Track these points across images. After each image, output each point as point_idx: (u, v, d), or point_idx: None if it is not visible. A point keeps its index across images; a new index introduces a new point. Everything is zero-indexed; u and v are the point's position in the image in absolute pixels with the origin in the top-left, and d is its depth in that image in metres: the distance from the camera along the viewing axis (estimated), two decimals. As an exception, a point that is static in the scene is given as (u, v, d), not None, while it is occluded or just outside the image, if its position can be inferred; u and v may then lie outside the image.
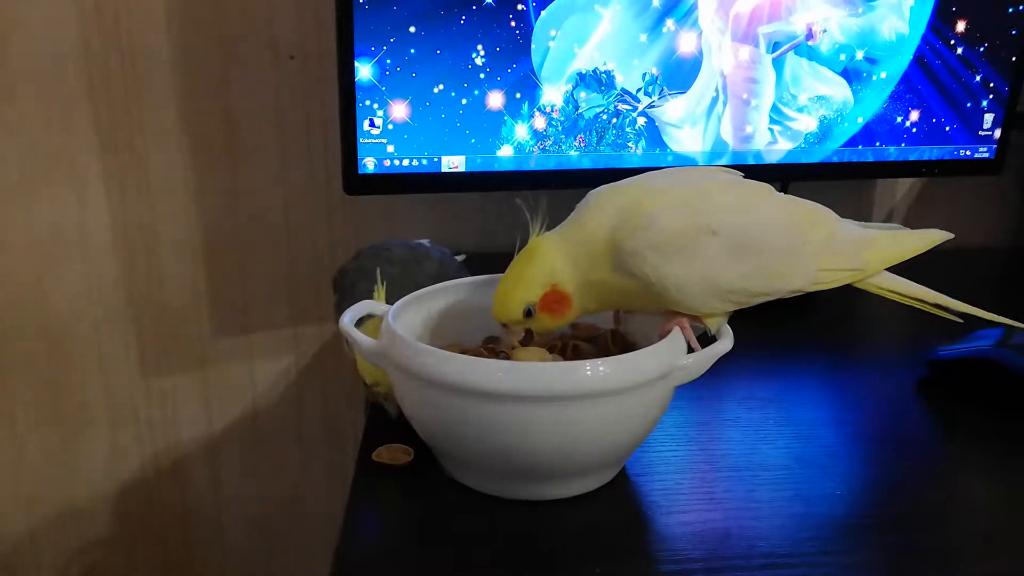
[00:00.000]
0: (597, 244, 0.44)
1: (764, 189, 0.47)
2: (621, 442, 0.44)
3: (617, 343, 0.50)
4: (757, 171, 0.75)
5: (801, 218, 0.46)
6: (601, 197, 0.46)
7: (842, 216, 0.48)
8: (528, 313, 0.44)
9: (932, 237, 0.48)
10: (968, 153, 0.79)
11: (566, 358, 0.49)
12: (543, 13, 0.66)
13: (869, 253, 0.46)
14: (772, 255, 0.45)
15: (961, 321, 0.50)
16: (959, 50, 0.75)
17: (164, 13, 0.77)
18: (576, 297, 0.45)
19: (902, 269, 0.49)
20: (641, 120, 0.70)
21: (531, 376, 0.40)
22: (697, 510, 0.44)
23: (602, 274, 0.44)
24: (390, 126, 0.66)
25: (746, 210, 0.45)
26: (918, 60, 0.75)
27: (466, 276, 0.54)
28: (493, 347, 0.50)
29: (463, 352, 0.49)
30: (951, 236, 0.48)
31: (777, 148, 0.74)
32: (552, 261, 0.44)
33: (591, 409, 0.41)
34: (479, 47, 0.66)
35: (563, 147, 0.70)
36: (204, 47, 0.78)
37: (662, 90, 0.70)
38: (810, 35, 0.71)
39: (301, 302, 0.88)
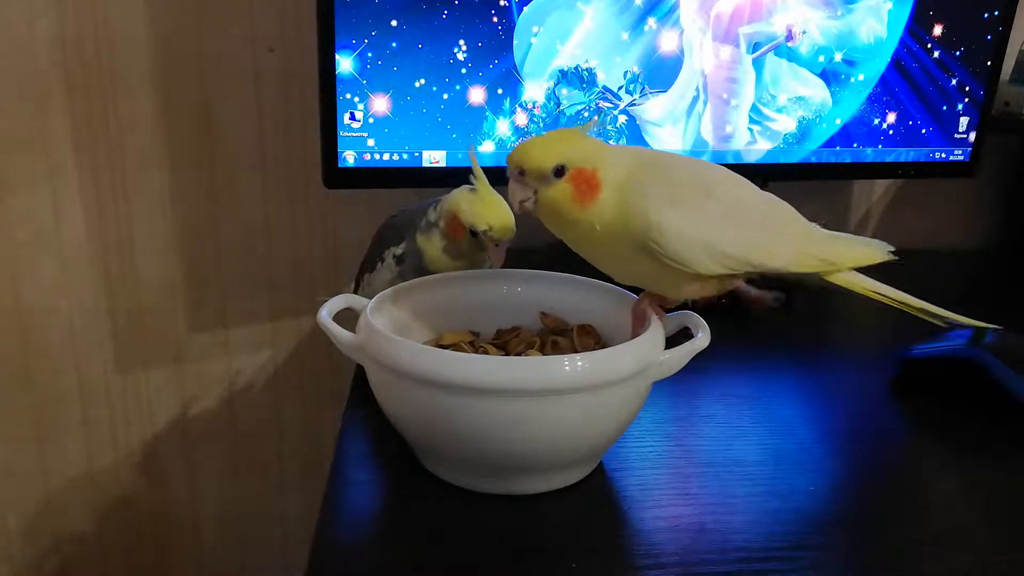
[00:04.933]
0: (616, 184, 0.44)
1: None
2: (598, 437, 0.44)
3: (589, 336, 0.51)
4: (736, 170, 0.75)
5: (783, 208, 0.48)
6: (624, 150, 0.47)
7: (817, 217, 0.50)
8: (559, 172, 0.43)
9: (876, 254, 0.49)
10: (944, 155, 0.80)
11: (544, 353, 0.49)
12: (525, 9, 0.66)
13: (839, 250, 0.48)
14: (761, 230, 0.46)
15: (939, 322, 0.51)
16: (936, 54, 0.76)
17: (143, 3, 0.76)
18: (600, 197, 0.43)
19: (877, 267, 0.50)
20: (622, 118, 0.71)
21: (508, 371, 0.40)
22: (673, 505, 0.45)
23: (612, 216, 0.43)
24: (371, 120, 0.66)
25: (740, 186, 0.47)
26: (895, 63, 0.75)
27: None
28: (472, 341, 0.50)
29: (441, 346, 0.49)
30: (894, 259, 0.48)
31: (756, 148, 0.75)
32: (606, 154, 0.43)
33: (568, 404, 0.41)
34: (461, 42, 0.65)
35: (544, 144, 0.70)
36: (182, 39, 0.78)
37: (643, 88, 0.70)
38: (790, 36, 0.72)
39: (279, 296, 0.87)
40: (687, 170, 0.47)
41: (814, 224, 0.49)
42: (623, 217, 0.43)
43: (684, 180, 0.45)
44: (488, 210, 0.51)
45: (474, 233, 0.51)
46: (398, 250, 0.56)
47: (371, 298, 0.49)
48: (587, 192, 0.43)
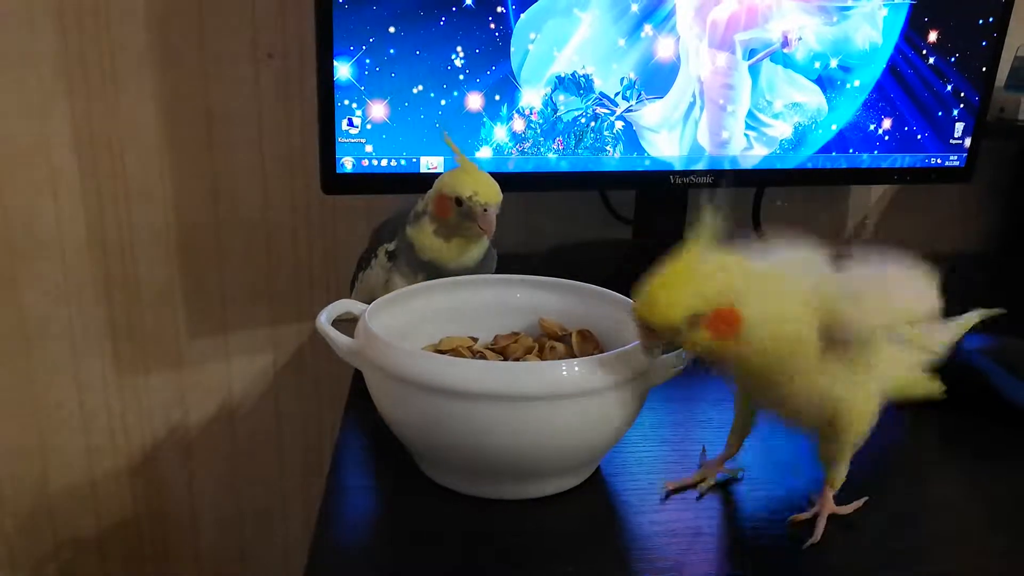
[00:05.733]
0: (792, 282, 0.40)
1: None
2: (596, 442, 0.44)
3: (589, 342, 0.51)
4: (734, 176, 0.76)
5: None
6: (740, 263, 0.41)
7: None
8: (692, 324, 0.38)
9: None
10: (939, 161, 0.80)
11: (542, 358, 0.50)
12: (523, 16, 0.66)
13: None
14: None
15: None
16: (931, 60, 0.76)
17: (144, 9, 0.76)
18: (746, 330, 0.38)
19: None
20: (619, 124, 0.71)
21: (506, 376, 0.41)
22: (669, 510, 0.45)
23: (797, 325, 0.39)
24: (369, 126, 0.66)
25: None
26: (891, 69, 0.76)
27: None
28: (471, 347, 0.51)
29: (440, 352, 0.49)
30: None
31: (753, 154, 0.75)
32: (736, 276, 0.38)
33: (567, 409, 0.41)
34: (459, 48, 0.66)
35: (541, 150, 0.70)
36: (183, 44, 0.78)
37: (640, 94, 0.71)
38: (786, 43, 0.72)
39: (279, 301, 0.87)
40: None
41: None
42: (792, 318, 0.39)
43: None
44: (471, 178, 0.52)
45: (460, 203, 0.52)
46: (390, 246, 0.56)
47: (364, 295, 0.49)
48: (729, 331, 0.38)
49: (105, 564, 0.93)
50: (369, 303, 0.49)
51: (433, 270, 0.54)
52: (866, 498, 0.45)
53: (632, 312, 0.40)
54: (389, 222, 0.59)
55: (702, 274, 0.38)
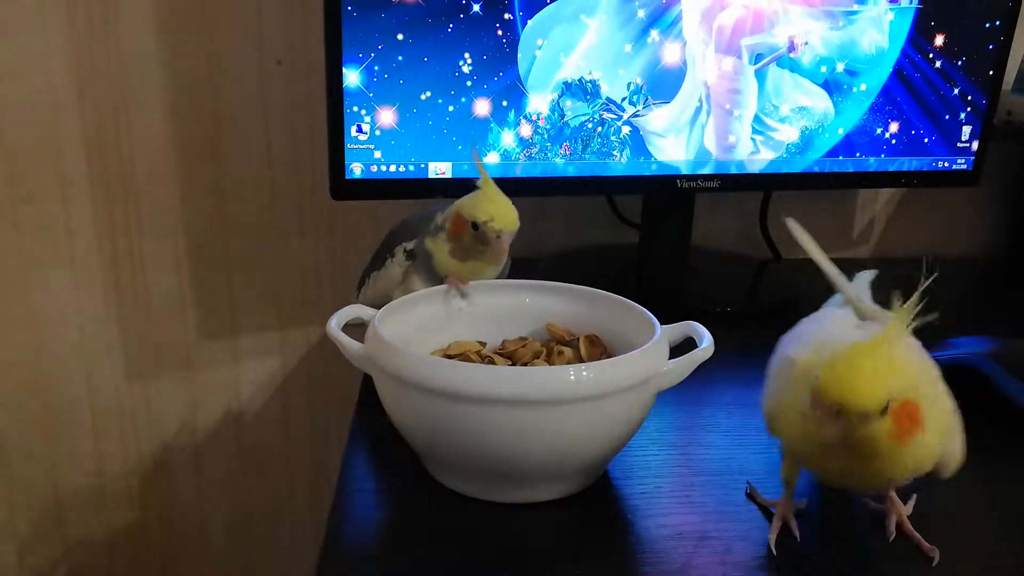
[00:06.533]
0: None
1: None
2: (603, 446, 0.45)
3: (596, 346, 0.51)
4: (741, 181, 0.76)
5: None
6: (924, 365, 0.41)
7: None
8: (885, 410, 0.36)
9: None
10: (946, 164, 0.80)
11: (549, 363, 0.50)
12: (530, 22, 0.67)
13: None
14: None
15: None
16: (937, 63, 0.76)
17: (153, 17, 0.77)
18: (921, 426, 0.37)
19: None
20: (626, 129, 0.71)
21: (515, 380, 0.41)
22: (676, 513, 0.45)
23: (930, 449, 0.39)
24: (377, 132, 0.67)
25: None
26: (897, 73, 0.76)
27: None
28: (479, 351, 0.51)
29: (448, 356, 0.50)
30: None
31: (760, 158, 0.76)
32: (920, 382, 0.38)
33: (574, 413, 0.42)
34: (466, 55, 0.66)
35: (549, 155, 0.70)
36: (192, 51, 0.79)
37: (646, 99, 0.71)
38: (792, 47, 0.73)
39: (287, 305, 0.88)
40: None
41: None
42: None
43: None
44: (490, 204, 0.52)
45: (476, 226, 0.52)
46: (409, 245, 0.56)
47: (375, 296, 0.50)
48: (908, 429, 0.37)
49: (114, 567, 0.93)
50: (379, 304, 0.49)
51: None
52: (916, 495, 0.45)
53: (819, 392, 0.36)
54: (408, 223, 0.58)
55: (897, 363, 0.36)
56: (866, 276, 0.52)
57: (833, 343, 0.38)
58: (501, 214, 0.52)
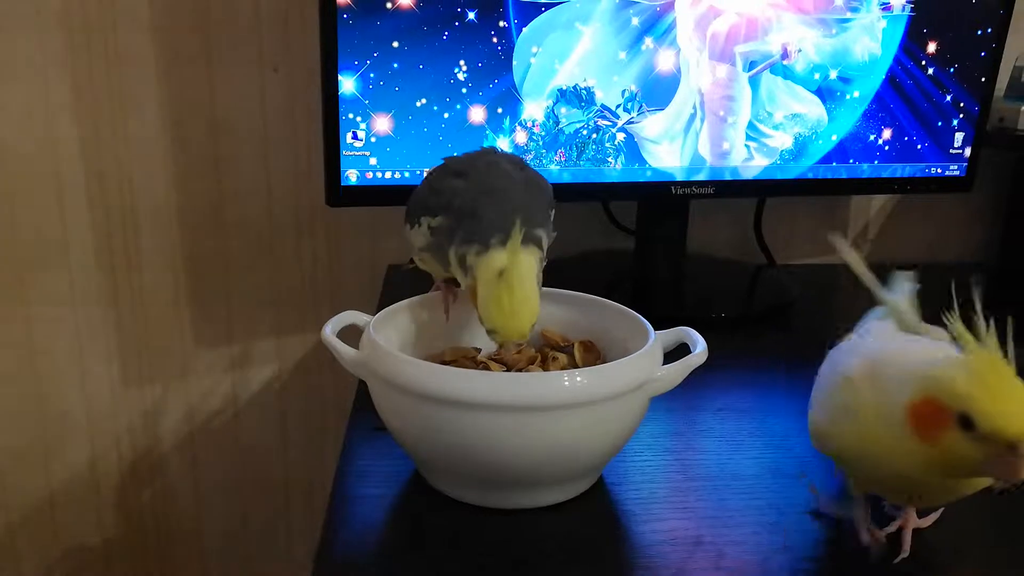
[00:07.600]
0: None
1: None
2: (598, 451, 0.45)
3: (591, 352, 0.51)
4: (734, 187, 0.76)
5: None
6: None
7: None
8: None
9: None
10: (939, 171, 0.81)
11: (544, 369, 0.50)
12: (525, 30, 0.67)
13: None
14: None
15: None
16: (930, 70, 0.77)
17: (150, 22, 0.77)
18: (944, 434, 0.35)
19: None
20: (620, 136, 0.72)
21: (510, 386, 0.41)
22: (671, 518, 0.45)
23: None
24: (373, 139, 0.67)
25: None
26: (890, 80, 0.76)
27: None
28: (473, 357, 0.51)
29: (443, 363, 0.50)
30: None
31: (753, 164, 0.76)
32: (961, 374, 0.36)
33: (568, 419, 0.42)
34: (461, 62, 0.67)
35: (544, 161, 0.71)
36: (189, 57, 0.79)
37: (641, 106, 0.71)
38: (785, 55, 0.73)
39: (284, 312, 0.88)
40: None
41: None
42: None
43: None
44: (497, 309, 0.46)
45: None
46: (434, 223, 0.50)
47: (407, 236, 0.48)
48: (935, 426, 0.36)
49: (110, 571, 0.93)
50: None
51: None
52: (942, 508, 0.45)
53: (990, 432, 0.34)
54: (438, 191, 0.50)
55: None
56: (904, 280, 0.51)
57: (925, 371, 0.37)
58: (507, 324, 0.46)
